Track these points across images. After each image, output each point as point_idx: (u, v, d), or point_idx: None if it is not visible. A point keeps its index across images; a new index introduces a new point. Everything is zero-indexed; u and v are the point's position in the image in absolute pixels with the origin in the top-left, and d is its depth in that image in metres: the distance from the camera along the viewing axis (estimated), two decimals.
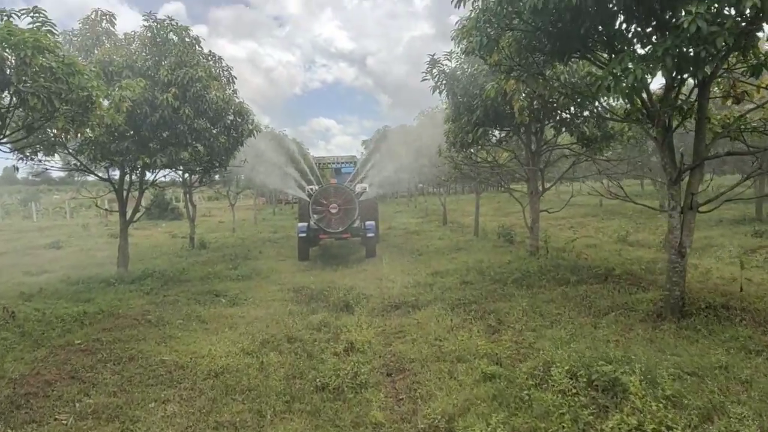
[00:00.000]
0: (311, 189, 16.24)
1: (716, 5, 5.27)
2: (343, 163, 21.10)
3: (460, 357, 6.35)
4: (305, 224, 15.32)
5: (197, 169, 13.15)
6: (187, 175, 17.92)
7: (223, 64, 12.86)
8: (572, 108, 11.39)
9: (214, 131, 12.07)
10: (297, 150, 29.34)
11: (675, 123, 7.39)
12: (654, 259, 12.25)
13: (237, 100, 12.49)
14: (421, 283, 10.80)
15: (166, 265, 14.20)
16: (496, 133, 13.36)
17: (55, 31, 7.06)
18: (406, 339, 7.32)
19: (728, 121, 8.03)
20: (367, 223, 15.48)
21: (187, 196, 18.26)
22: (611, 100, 11.18)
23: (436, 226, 24.36)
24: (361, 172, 20.01)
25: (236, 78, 12.84)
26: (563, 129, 12.10)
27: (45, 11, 7.20)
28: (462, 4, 7.20)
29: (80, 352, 6.94)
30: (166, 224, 32.87)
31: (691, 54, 5.77)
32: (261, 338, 7.46)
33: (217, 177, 18.03)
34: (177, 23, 11.68)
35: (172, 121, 10.91)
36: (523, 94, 10.72)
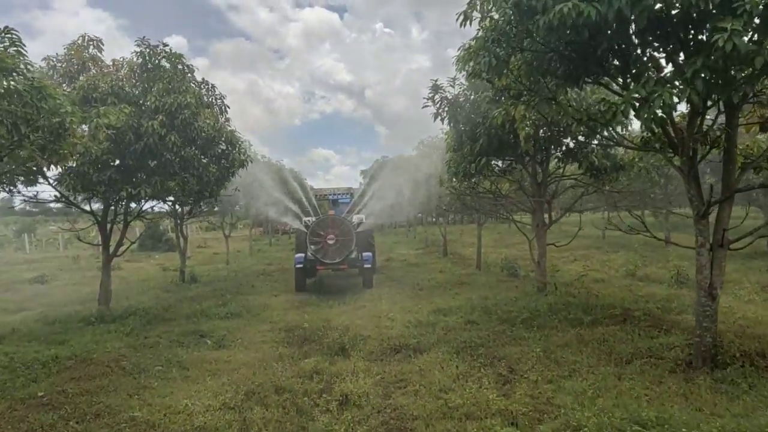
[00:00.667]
0: (308, 220, 16.38)
1: (756, 22, 4.73)
2: (340, 194, 21.08)
3: (469, 413, 5.61)
4: (302, 255, 15.28)
5: (187, 200, 12.50)
6: (177, 206, 17.35)
7: (216, 92, 12.36)
8: (581, 137, 10.87)
9: (204, 160, 11.47)
10: (294, 180, 28.89)
11: (700, 152, 6.79)
12: (669, 296, 11.55)
13: (229, 128, 11.92)
14: (422, 322, 10.06)
15: (152, 302, 13.44)
16: (500, 162, 12.80)
17: (24, 52, 6.48)
18: (407, 390, 6.57)
19: (751, 150, 7.47)
20: (365, 254, 15.48)
21: (178, 227, 17.59)
22: (624, 128, 10.73)
23: (436, 257, 23.66)
24: (359, 203, 19.96)
25: (229, 107, 12.32)
26: (570, 159, 11.53)
27: (17, 32, 6.65)
28: (468, 23, 6.68)
29: (41, 407, 6.18)
30: (159, 256, 32.11)
31: (725, 76, 5.21)
32: (246, 389, 6.71)
33: (206, 208, 17.39)
34: (171, 50, 11.20)
35: (158, 150, 10.32)
36: (529, 122, 10.20)
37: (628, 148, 8.96)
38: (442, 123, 11.82)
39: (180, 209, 17.40)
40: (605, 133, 10.88)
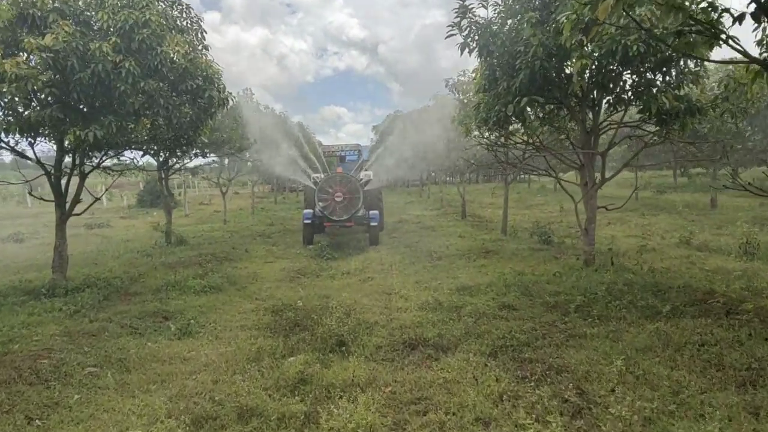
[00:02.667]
0: (317, 177, 16.64)
1: None
2: (348, 150, 20.75)
3: None
4: (311, 211, 15.55)
5: (159, 148, 10.33)
6: (160, 156, 15.27)
7: (192, 15, 10.02)
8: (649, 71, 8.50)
9: (175, 98, 9.23)
10: (302, 136, 26.68)
11: None
12: (747, 272, 9.31)
13: (206, 58, 9.59)
14: (443, 304, 7.95)
15: (122, 269, 11.48)
16: (541, 106, 10.41)
17: None
18: (428, 418, 4.50)
19: None
20: (371, 212, 15.54)
21: (162, 182, 15.48)
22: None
23: (453, 219, 21.44)
24: (370, 159, 19.60)
25: (206, 32, 9.97)
26: (633, 101, 9.13)
27: None
28: None
29: None
30: (157, 213, 30.24)
31: None
32: (198, 409, 4.68)
33: (190, 160, 15.33)
34: None
35: (110, 80, 8.08)
36: (589, 46, 7.83)
37: (751, 62, 6.45)
38: (470, 55, 9.52)
39: (167, 160, 15.34)
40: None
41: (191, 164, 18.34)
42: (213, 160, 19.00)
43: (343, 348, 6.31)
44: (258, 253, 14.25)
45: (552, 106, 9.90)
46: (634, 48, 7.54)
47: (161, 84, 8.79)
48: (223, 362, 5.96)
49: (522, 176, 15.77)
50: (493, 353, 5.86)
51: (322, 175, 16.43)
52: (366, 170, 17.94)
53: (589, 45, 7.82)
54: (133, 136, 9.38)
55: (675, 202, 23.87)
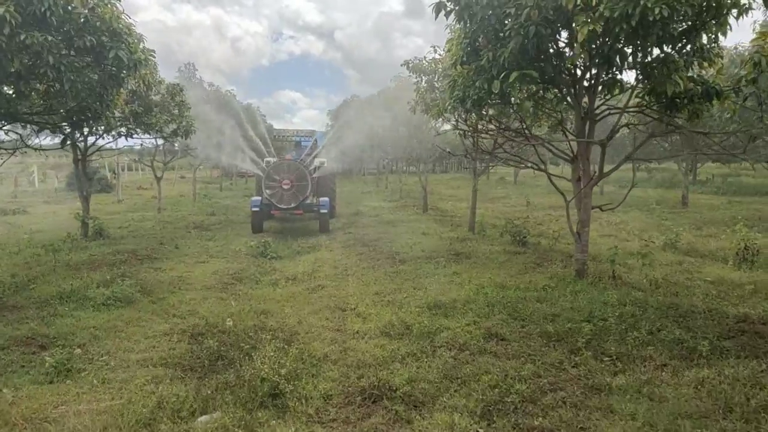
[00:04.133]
0: (269, 161, 16.41)
1: None
2: (302, 136, 20.70)
3: None
4: (259, 198, 15.20)
5: (57, 121, 8.19)
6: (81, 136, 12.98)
7: None
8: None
9: (71, 55, 7.14)
10: (250, 118, 24.55)
11: None
12: (757, 284, 8.02)
13: (114, 9, 7.46)
14: (412, 328, 6.25)
15: (13, 270, 9.29)
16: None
17: None
18: None
19: None
20: (321, 199, 15.39)
21: (79, 164, 13.15)
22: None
23: (414, 212, 19.78)
24: (326, 144, 19.48)
25: None
26: (643, 78, 7.61)
27: None
28: None
29: None
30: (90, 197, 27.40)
31: None
32: None
33: (107, 139, 13.08)
34: None
35: None
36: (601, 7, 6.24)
37: None
38: (446, 18, 7.82)
39: (85, 139, 13.07)
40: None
41: (121, 144, 15.92)
42: (141, 142, 16.59)
43: (278, 401, 4.54)
44: (190, 249, 12.21)
45: (541, 86, 8.29)
46: (656, 11, 5.99)
47: (50, 38, 6.68)
48: (99, 430, 4.09)
49: (485, 167, 14.29)
50: (485, 413, 4.22)
51: (273, 160, 16.32)
52: (319, 157, 17.66)
53: (600, 6, 6.24)
54: (19, 105, 7.25)
55: (643, 198, 22.98)
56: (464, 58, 8.12)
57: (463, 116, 9.78)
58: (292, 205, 14.73)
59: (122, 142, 15.10)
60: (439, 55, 13.16)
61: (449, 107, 8.78)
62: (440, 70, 12.39)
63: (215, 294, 8.33)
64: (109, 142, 14.09)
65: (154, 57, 12.90)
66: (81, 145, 13.05)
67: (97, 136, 12.90)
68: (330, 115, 49.18)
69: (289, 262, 11.33)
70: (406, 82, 19.30)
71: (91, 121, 8.49)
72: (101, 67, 7.48)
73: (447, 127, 12.73)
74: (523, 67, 7.28)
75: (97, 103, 7.81)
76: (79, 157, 13.00)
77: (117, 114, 8.58)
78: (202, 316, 7.02)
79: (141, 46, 7.66)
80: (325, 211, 15.10)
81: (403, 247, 12.00)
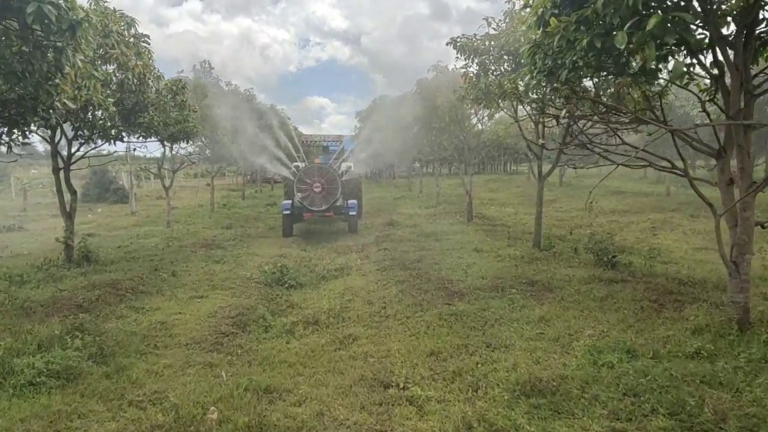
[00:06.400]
0: (297, 166, 16.75)
1: None
2: (330, 141, 21.16)
3: None
4: (290, 202, 15.59)
5: None
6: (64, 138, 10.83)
7: None
8: None
9: None
10: (275, 120, 22.48)
11: None
12: None
13: None
14: None
15: None
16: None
17: None
18: None
19: None
20: (349, 201, 15.80)
21: (59, 174, 10.88)
22: None
23: (458, 222, 17.08)
24: (353, 148, 19.39)
25: None
26: None
27: None
28: None
29: None
30: (102, 209, 25.56)
31: None
32: None
33: (100, 144, 10.83)
34: None
35: None
36: None
37: None
38: None
39: (69, 143, 10.90)
40: None
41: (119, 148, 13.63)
42: (134, 147, 14.25)
43: None
44: (190, 276, 9.85)
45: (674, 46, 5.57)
46: None
47: None
48: None
49: (552, 167, 11.28)
50: None
51: (302, 165, 16.63)
52: (346, 161, 17.97)
53: None
54: None
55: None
56: (555, 13, 5.52)
57: (550, 96, 7.11)
58: (323, 208, 15.05)
59: (118, 146, 12.70)
60: (493, 29, 10.56)
61: (532, 84, 6.12)
62: (505, 40, 9.71)
63: (203, 355, 5.89)
64: (95, 148, 11.83)
65: (149, 44, 10.90)
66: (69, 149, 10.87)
67: (81, 141, 10.69)
68: (358, 117, 46.78)
69: (312, 292, 8.88)
70: (445, 73, 16.78)
71: (39, 115, 6.15)
72: (28, 33, 5.09)
73: (524, 114, 10.11)
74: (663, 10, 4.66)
75: (31, 89, 5.44)
76: (61, 166, 10.76)
77: (67, 104, 6.19)
78: (173, 404, 4.57)
79: (86, 4, 5.23)
80: (354, 213, 15.66)
81: (456, 271, 9.41)
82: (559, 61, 5.59)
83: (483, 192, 30.99)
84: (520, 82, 6.95)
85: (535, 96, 7.48)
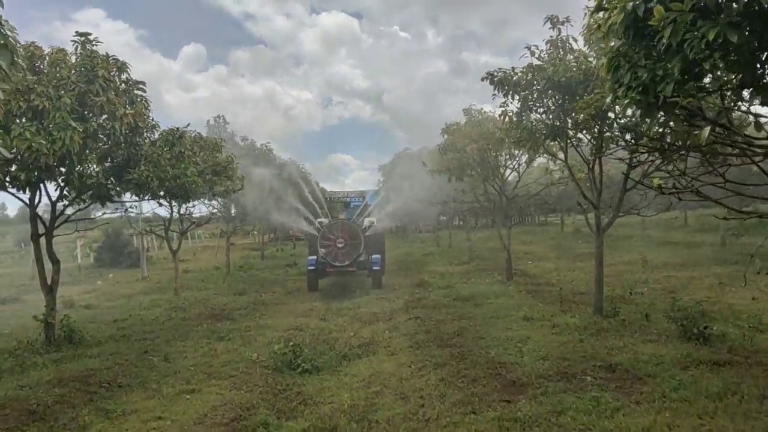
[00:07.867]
0: (321, 222, 17.00)
1: None
2: (352, 197, 20.92)
3: None
4: (314, 257, 15.68)
5: None
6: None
7: None
8: None
9: None
10: (303, 182, 21.48)
11: None
12: None
13: None
14: None
15: None
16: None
17: None
18: None
19: None
20: (373, 256, 15.78)
21: (39, 241, 9.55)
22: None
23: (496, 281, 15.23)
24: (376, 203, 19.51)
25: None
26: None
27: None
28: None
29: None
30: (114, 274, 24.31)
31: None
32: None
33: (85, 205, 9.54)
34: None
35: None
36: None
37: None
38: None
39: (52, 204, 9.61)
40: None
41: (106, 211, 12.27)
42: (126, 207, 12.69)
43: None
44: (185, 360, 8.21)
45: None
46: None
47: None
48: None
49: (612, 218, 9.71)
50: None
51: (325, 221, 16.81)
52: (369, 216, 18.01)
53: None
54: None
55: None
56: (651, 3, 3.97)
57: (632, 120, 5.44)
58: (346, 263, 15.20)
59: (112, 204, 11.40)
60: (538, 59, 9.10)
61: (624, 103, 4.49)
62: (553, 71, 8.16)
63: None
64: (81, 209, 10.53)
65: (145, 92, 9.71)
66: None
67: (65, 202, 9.39)
68: (381, 171, 45.72)
69: (330, 378, 7.17)
70: (475, 118, 15.46)
71: None
72: None
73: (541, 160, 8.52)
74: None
75: None
76: (42, 231, 9.42)
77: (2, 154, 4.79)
78: None
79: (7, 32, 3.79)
80: (378, 267, 15.67)
81: (507, 350, 7.59)
82: (659, 72, 4.01)
83: (516, 245, 28.90)
84: (608, 102, 5.28)
85: (622, 121, 5.83)
